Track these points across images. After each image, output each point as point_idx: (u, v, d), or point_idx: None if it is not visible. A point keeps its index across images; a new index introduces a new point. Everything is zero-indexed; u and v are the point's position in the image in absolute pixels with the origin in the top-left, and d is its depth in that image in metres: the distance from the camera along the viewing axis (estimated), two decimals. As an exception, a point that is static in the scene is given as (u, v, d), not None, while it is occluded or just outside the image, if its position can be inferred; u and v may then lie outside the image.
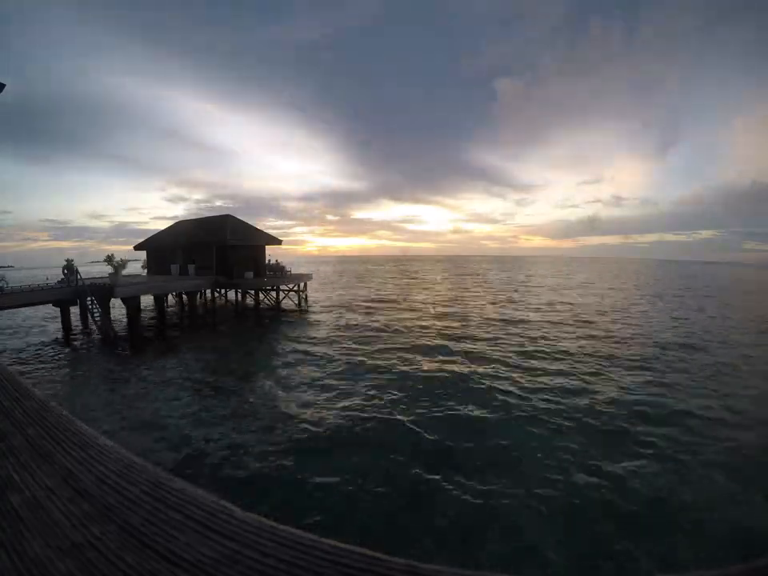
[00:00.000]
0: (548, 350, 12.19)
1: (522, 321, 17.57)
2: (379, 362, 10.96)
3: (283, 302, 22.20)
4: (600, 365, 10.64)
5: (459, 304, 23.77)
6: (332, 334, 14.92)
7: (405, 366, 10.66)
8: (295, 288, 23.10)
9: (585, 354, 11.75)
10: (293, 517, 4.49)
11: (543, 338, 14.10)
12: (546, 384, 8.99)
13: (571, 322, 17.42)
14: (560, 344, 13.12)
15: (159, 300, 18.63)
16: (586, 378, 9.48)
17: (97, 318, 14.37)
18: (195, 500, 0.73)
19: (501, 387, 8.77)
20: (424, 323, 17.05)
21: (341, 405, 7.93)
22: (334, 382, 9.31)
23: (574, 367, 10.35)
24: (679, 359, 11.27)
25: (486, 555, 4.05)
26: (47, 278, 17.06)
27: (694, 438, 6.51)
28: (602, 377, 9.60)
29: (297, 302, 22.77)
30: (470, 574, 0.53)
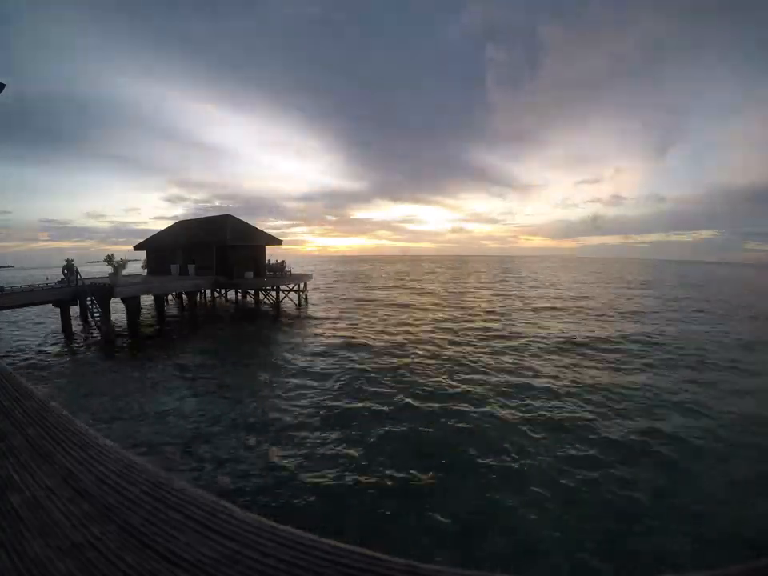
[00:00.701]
0: None
1: None
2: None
3: (283, 301, 22.21)
4: None
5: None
6: (331, 334, 14.92)
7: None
8: (295, 288, 23.11)
9: None
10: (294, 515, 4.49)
11: None
12: None
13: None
14: None
15: (159, 300, 18.65)
16: None
17: (97, 318, 14.37)
18: (195, 500, 0.73)
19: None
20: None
21: (343, 407, 7.94)
22: (334, 382, 9.32)
23: None
24: None
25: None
26: (47, 278, 17.06)
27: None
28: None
29: (297, 302, 22.78)
30: (470, 574, 0.53)
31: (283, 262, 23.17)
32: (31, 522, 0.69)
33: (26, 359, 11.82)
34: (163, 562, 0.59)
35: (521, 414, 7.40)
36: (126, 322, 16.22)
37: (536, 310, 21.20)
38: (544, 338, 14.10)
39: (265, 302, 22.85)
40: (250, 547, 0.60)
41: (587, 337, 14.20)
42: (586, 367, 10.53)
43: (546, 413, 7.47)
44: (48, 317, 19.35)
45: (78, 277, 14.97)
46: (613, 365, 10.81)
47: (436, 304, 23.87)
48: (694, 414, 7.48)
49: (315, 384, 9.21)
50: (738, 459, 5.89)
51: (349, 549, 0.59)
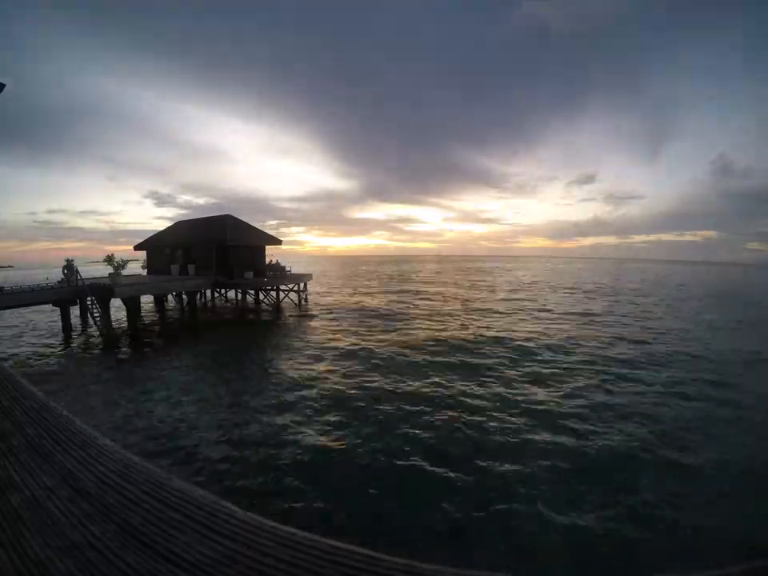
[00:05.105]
0: None
1: None
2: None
3: (283, 301, 22.21)
4: None
5: None
6: (330, 334, 14.92)
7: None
8: (295, 288, 23.11)
9: None
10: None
11: None
12: None
13: None
14: None
15: (159, 300, 18.68)
16: None
17: (97, 318, 14.37)
18: (195, 500, 0.73)
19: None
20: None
21: (341, 407, 7.94)
22: (334, 383, 9.32)
23: None
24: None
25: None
26: (47, 278, 17.07)
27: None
28: None
29: (297, 302, 22.78)
30: (470, 574, 0.53)
31: (277, 261, 23.13)
32: (31, 522, 0.69)
33: (26, 359, 11.83)
34: (163, 562, 0.59)
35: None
36: (126, 322, 16.25)
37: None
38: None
39: (265, 302, 22.86)
40: (250, 547, 0.60)
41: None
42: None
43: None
44: (48, 317, 19.36)
45: (78, 277, 14.97)
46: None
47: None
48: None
49: (316, 386, 9.22)
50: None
51: (348, 549, 0.59)
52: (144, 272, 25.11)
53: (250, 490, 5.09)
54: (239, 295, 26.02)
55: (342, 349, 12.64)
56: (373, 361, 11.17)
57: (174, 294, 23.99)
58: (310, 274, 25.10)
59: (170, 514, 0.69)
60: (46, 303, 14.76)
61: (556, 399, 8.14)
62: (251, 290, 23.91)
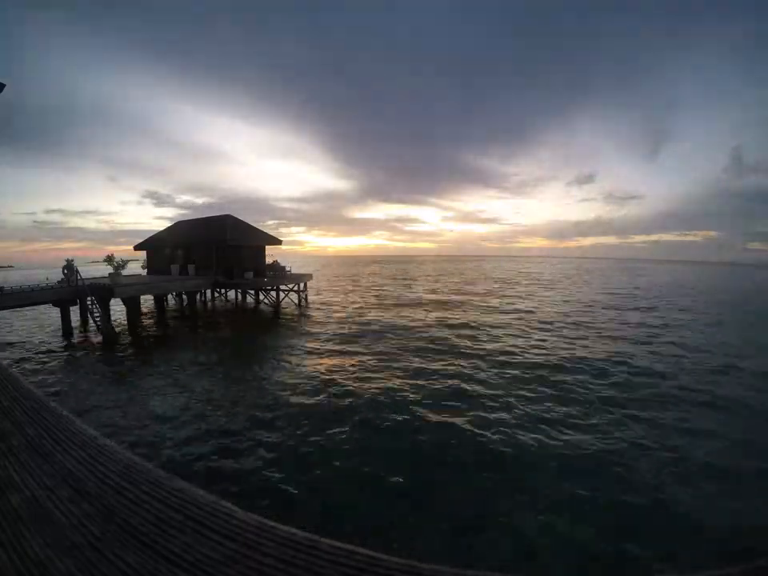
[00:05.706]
0: None
1: None
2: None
3: (283, 301, 22.21)
4: None
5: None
6: (331, 335, 14.92)
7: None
8: (295, 288, 23.11)
9: None
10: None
11: None
12: None
13: None
14: None
15: (159, 300, 18.69)
16: None
17: (97, 318, 14.37)
18: (195, 500, 0.73)
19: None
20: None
21: (341, 407, 7.94)
22: (334, 381, 9.32)
23: None
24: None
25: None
26: (47, 278, 17.07)
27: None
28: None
29: (297, 302, 22.78)
30: (471, 574, 0.53)
31: (277, 261, 23.12)
32: (31, 522, 0.69)
33: (26, 359, 11.83)
34: (163, 562, 0.59)
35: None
36: (126, 322, 16.25)
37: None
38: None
39: (265, 302, 22.86)
40: (250, 547, 0.60)
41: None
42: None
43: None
44: (48, 317, 19.36)
45: (78, 277, 14.97)
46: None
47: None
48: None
49: (314, 383, 9.22)
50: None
51: (349, 549, 0.59)
52: (144, 272, 25.12)
53: (238, 490, 5.10)
54: (239, 295, 26.03)
55: (342, 349, 12.65)
56: (373, 361, 11.17)
57: (174, 294, 24.01)
58: (310, 274, 25.09)
59: (170, 514, 0.69)
60: (46, 303, 14.75)
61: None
62: (251, 290, 23.91)
